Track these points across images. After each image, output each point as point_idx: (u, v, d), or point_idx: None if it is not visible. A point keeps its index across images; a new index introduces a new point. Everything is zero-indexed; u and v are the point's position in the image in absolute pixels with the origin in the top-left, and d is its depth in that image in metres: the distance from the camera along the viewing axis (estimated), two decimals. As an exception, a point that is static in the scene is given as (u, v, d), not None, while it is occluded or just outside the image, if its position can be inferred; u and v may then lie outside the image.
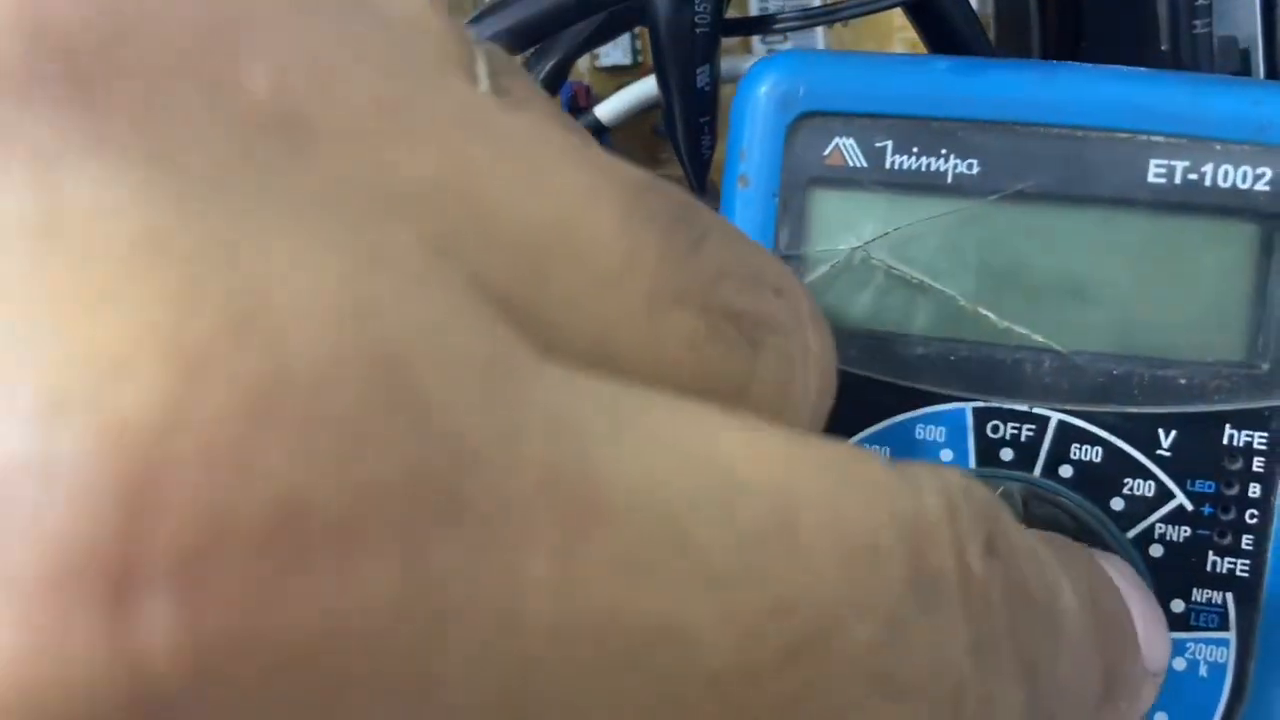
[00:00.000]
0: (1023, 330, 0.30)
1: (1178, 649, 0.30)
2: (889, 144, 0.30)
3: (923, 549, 0.19)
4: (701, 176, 0.43)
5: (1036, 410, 0.30)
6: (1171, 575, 0.30)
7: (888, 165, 0.30)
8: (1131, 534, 0.30)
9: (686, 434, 0.18)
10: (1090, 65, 0.31)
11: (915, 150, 0.30)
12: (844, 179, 0.30)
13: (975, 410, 0.30)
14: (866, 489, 0.19)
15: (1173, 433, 0.30)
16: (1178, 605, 0.30)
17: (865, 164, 0.30)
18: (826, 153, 0.30)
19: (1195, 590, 0.30)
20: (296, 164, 0.16)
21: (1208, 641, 0.30)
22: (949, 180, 0.30)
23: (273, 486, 0.13)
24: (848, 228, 0.30)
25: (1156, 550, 0.30)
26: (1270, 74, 0.38)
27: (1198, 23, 0.38)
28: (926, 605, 0.19)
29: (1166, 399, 0.30)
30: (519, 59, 0.25)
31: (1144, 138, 0.29)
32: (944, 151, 0.30)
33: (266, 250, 0.14)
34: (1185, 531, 0.30)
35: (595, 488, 0.16)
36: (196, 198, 0.14)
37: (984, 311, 0.30)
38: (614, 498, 0.16)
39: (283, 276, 0.14)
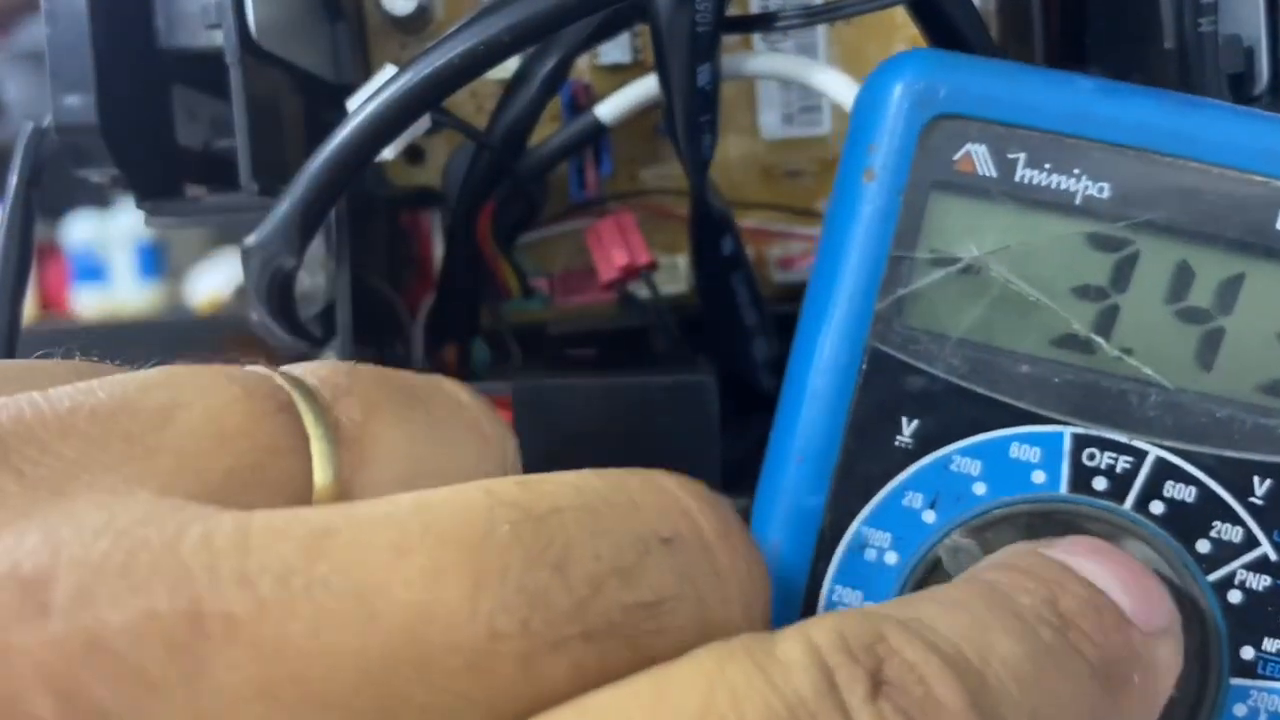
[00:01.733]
0: (1133, 362, 0.29)
1: (1240, 695, 0.29)
2: (1022, 156, 0.28)
3: None
4: (701, 176, 0.42)
5: (1136, 443, 0.29)
6: (1247, 622, 0.29)
7: (1017, 178, 0.29)
8: (1213, 577, 0.29)
9: None
10: (1238, 106, 0.29)
11: (1048, 166, 0.28)
12: (971, 186, 0.29)
13: (1074, 436, 0.29)
14: None
15: (1267, 481, 0.29)
16: (1247, 652, 0.29)
17: (995, 173, 0.29)
18: (957, 157, 0.29)
19: (1267, 639, 0.29)
20: None
21: (1272, 691, 0.29)
22: (1077, 201, 0.29)
23: None
24: (968, 235, 0.29)
25: (1235, 596, 0.29)
26: (1274, 74, 0.37)
27: (1202, 21, 0.37)
28: None
29: (1266, 447, 0.29)
30: (346, 366, 0.25)
31: (1278, 184, 0.28)
32: (1076, 171, 0.28)
33: None
34: (1266, 581, 0.29)
35: None
36: None
37: (1096, 338, 0.29)
38: None
39: None
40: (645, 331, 0.48)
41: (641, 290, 0.47)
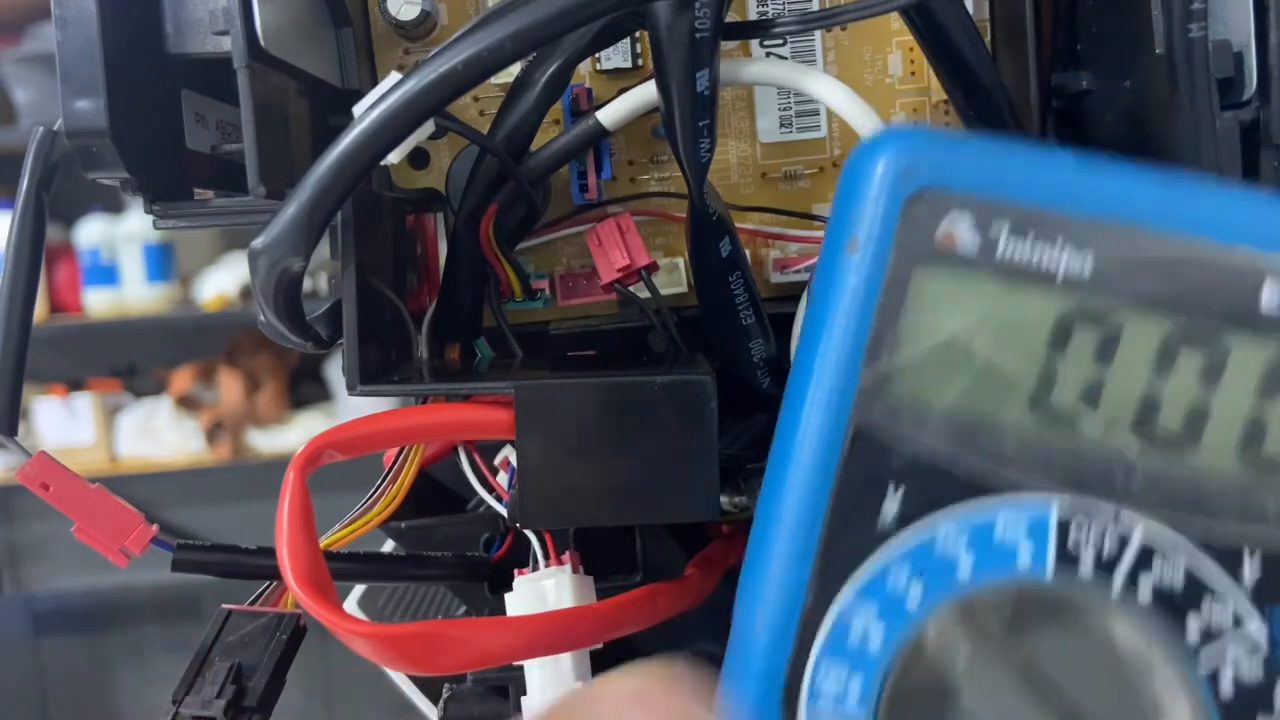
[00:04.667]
0: (1119, 435, 0.26)
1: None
2: (1004, 231, 0.26)
3: None
4: (700, 179, 0.41)
5: (1122, 516, 0.27)
6: (1238, 701, 0.27)
7: (999, 253, 0.26)
8: (1202, 655, 0.27)
9: None
10: (1220, 181, 0.27)
11: (1030, 241, 0.26)
12: (953, 260, 0.27)
13: (1060, 513, 0.27)
14: None
15: (1256, 555, 0.27)
16: (1237, 727, 0.27)
17: (977, 248, 0.26)
18: (939, 232, 0.26)
19: (1260, 715, 0.27)
20: None
21: (1260, 764, 0.28)
22: (1060, 276, 0.26)
23: None
24: (952, 309, 0.27)
25: (1226, 673, 0.27)
26: (1262, 78, 0.36)
27: (1192, 26, 0.36)
28: None
29: (1253, 520, 0.27)
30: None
31: (1264, 259, 0.26)
32: (1059, 245, 0.26)
33: None
34: (1257, 660, 0.27)
35: None
36: None
37: (1082, 411, 0.26)
38: None
39: None
40: (645, 331, 0.47)
41: (641, 291, 0.46)
